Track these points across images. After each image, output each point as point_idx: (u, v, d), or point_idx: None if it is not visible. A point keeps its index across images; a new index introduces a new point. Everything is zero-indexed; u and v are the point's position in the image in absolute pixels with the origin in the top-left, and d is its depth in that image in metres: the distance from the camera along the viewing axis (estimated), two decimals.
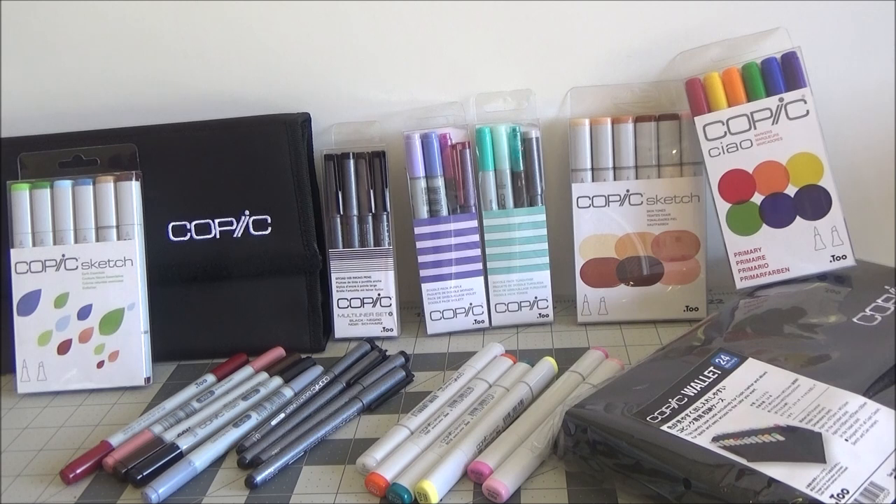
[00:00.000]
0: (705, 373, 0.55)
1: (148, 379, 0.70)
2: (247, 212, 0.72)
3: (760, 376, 0.53)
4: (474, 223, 0.74)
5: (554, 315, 0.75)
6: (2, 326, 0.72)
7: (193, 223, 0.72)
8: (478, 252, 0.74)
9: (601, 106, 0.75)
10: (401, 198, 0.76)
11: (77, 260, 0.70)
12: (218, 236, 0.72)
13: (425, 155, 0.73)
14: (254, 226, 0.72)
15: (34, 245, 0.70)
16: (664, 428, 0.49)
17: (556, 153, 0.77)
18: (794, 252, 0.69)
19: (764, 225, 0.69)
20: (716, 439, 0.48)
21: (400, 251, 0.77)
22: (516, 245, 0.74)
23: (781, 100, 0.68)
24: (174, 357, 0.73)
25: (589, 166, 0.73)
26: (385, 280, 0.74)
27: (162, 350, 0.71)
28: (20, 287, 0.70)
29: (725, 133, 0.69)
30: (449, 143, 0.73)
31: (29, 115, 0.79)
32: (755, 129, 0.69)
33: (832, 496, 0.43)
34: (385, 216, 0.73)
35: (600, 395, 0.54)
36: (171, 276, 0.72)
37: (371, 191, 0.73)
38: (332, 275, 0.74)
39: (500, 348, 0.68)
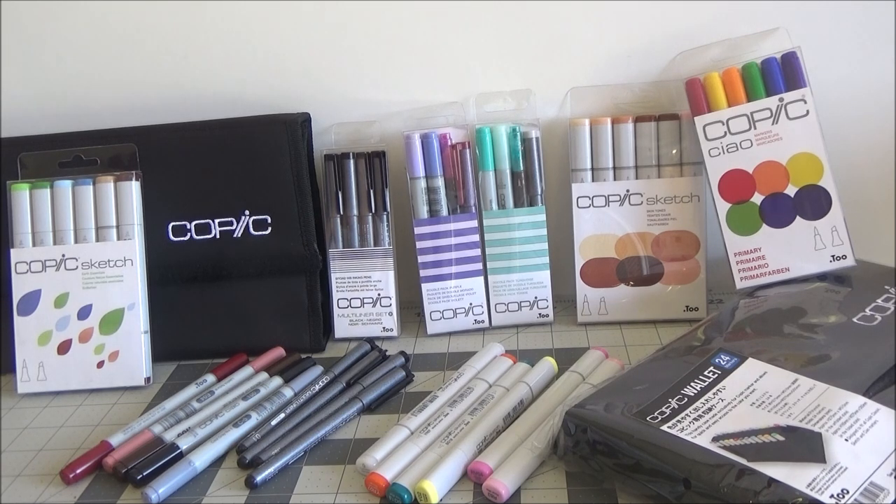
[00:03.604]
0: (705, 373, 0.55)
1: (148, 379, 0.70)
2: (247, 212, 0.72)
3: (760, 376, 0.53)
4: (474, 223, 0.74)
5: (554, 315, 0.75)
6: (2, 326, 0.72)
7: (193, 223, 0.72)
8: (478, 252, 0.74)
9: (601, 106, 0.75)
10: (401, 198, 0.76)
11: (77, 260, 0.70)
12: (218, 236, 0.72)
13: (425, 155, 0.73)
14: (254, 226, 0.72)
15: (34, 245, 0.70)
16: (664, 428, 0.49)
17: (556, 153, 0.77)
18: (794, 252, 0.69)
19: (764, 225, 0.69)
20: (716, 439, 0.48)
21: (400, 251, 0.77)
22: (516, 245, 0.73)
23: (781, 100, 0.68)
24: (174, 357, 0.73)
25: (589, 166, 0.73)
26: (385, 280, 0.74)
27: (162, 350, 0.71)
28: (20, 287, 0.70)
29: (725, 133, 0.69)
30: (449, 143, 0.73)
31: (29, 115, 0.79)
32: (755, 129, 0.69)
33: (832, 496, 0.43)
34: (385, 216, 0.73)
35: (600, 395, 0.54)
36: (171, 276, 0.72)
37: (371, 191, 0.73)
38: (332, 275, 0.74)
39: (500, 348, 0.68)
